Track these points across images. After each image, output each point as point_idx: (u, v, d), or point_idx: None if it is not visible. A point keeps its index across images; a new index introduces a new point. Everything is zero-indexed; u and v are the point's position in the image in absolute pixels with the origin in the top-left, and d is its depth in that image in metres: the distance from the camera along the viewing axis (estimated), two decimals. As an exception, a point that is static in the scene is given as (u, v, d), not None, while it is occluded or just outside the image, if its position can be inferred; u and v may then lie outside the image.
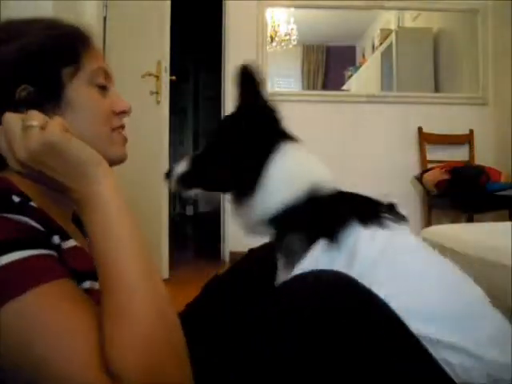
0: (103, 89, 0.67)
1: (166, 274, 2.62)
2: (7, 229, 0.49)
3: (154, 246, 2.61)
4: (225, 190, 0.85)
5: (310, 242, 0.70)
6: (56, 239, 0.57)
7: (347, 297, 0.56)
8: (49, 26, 0.65)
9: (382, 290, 0.59)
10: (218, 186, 0.85)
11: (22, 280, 0.46)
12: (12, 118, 0.49)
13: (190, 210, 6.69)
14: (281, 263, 0.76)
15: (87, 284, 0.59)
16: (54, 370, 0.44)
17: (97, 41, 0.70)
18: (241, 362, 0.56)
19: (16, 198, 0.54)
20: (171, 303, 0.52)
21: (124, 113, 0.71)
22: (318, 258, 0.68)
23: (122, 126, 0.71)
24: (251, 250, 0.97)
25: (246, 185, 0.77)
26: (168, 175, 0.84)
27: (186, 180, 0.83)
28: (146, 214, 2.67)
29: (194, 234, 5.82)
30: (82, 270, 0.58)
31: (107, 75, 0.68)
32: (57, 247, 0.56)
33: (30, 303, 0.46)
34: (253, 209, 0.77)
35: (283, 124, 0.83)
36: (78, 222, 0.72)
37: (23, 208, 0.54)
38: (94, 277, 0.60)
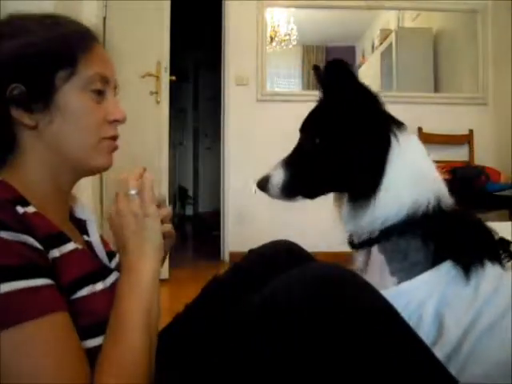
0: (99, 94, 0.65)
1: (165, 273, 2.61)
2: (6, 253, 0.49)
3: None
4: (337, 190, 0.78)
5: (435, 258, 0.68)
6: (55, 252, 0.56)
7: (346, 293, 0.56)
8: (51, 26, 0.63)
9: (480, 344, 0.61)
10: (329, 189, 0.79)
11: (15, 312, 0.47)
12: (121, 181, 0.63)
13: (189, 210, 6.68)
14: (380, 264, 0.73)
15: (84, 291, 0.58)
16: None
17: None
18: (241, 362, 0.56)
19: (20, 209, 0.54)
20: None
21: (117, 121, 0.68)
22: (440, 279, 0.66)
23: (114, 137, 0.68)
24: (251, 251, 0.96)
25: (364, 185, 0.72)
26: (263, 185, 0.80)
27: (289, 189, 0.79)
28: (146, 214, 2.66)
29: (193, 234, 5.82)
30: (81, 274, 0.59)
31: (106, 80, 0.65)
32: (55, 261, 0.56)
33: (20, 336, 0.47)
34: (374, 211, 0.71)
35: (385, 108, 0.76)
36: (75, 220, 0.72)
37: (26, 220, 0.54)
38: (94, 279, 0.61)
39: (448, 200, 0.73)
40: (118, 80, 0.70)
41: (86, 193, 2.64)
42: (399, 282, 0.70)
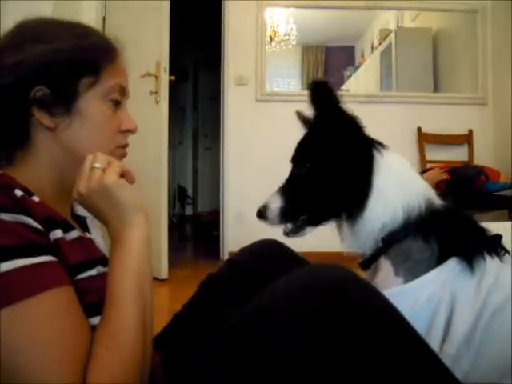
0: (116, 104, 0.68)
1: (165, 274, 2.61)
2: (7, 234, 0.50)
3: (153, 245, 2.61)
4: (331, 214, 0.81)
5: (440, 256, 0.71)
6: (58, 233, 0.58)
7: (347, 294, 0.56)
8: (80, 35, 0.66)
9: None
10: (325, 214, 0.81)
11: (17, 289, 0.48)
12: (88, 158, 0.60)
13: (189, 210, 6.68)
14: (386, 269, 0.75)
15: (94, 271, 0.61)
16: (35, 381, 0.46)
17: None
18: (242, 364, 0.56)
19: (19, 192, 0.56)
20: (152, 350, 0.60)
21: (129, 131, 0.71)
22: (447, 275, 0.68)
23: (126, 145, 0.72)
24: (243, 249, 0.97)
25: (355, 203, 0.75)
26: (262, 214, 0.82)
27: (287, 214, 0.81)
28: (146, 213, 2.66)
29: (193, 233, 5.82)
30: (87, 259, 0.61)
31: (123, 91, 0.69)
32: (58, 241, 0.57)
33: (23, 313, 0.48)
34: (368, 224, 0.75)
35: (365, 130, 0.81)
36: (76, 217, 0.73)
37: (25, 203, 0.55)
38: (102, 262, 0.63)
39: (438, 201, 0.77)
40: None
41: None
42: (405, 282, 0.71)
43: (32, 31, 0.64)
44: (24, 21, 0.66)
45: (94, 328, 0.54)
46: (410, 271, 0.71)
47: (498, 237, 0.75)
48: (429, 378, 0.56)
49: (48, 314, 0.49)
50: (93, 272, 0.60)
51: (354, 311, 0.55)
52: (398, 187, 0.75)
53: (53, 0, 1.77)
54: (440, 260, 0.70)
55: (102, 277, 0.59)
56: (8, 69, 0.60)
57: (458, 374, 0.60)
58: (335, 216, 0.80)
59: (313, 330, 0.53)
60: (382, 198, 0.74)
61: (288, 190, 0.82)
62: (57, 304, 0.50)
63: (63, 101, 0.63)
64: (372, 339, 0.54)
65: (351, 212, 0.75)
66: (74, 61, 0.63)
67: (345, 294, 0.56)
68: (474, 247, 0.71)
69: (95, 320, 0.55)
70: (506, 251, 0.74)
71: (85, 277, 0.59)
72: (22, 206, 0.54)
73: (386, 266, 0.75)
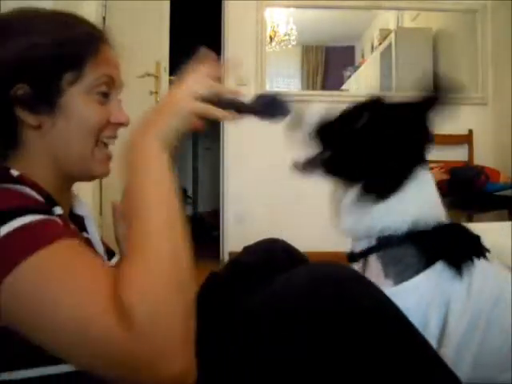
0: (104, 96, 0.65)
1: (165, 274, 2.61)
2: (11, 198, 0.50)
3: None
4: (352, 180, 0.80)
5: (428, 261, 0.72)
6: (58, 210, 0.57)
7: (349, 293, 0.56)
8: (61, 27, 0.63)
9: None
10: (349, 171, 0.80)
11: (34, 239, 0.46)
12: None
13: (189, 210, 6.68)
14: (377, 271, 0.76)
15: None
16: (67, 314, 0.44)
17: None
18: (243, 362, 0.56)
19: (15, 172, 0.56)
20: (189, 257, 0.56)
21: (120, 125, 0.68)
22: (437, 279, 0.70)
23: (113, 137, 0.68)
24: (247, 248, 0.97)
25: (385, 185, 0.76)
26: (295, 123, 0.82)
27: (322, 135, 0.81)
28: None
29: (193, 233, 5.81)
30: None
31: (111, 82, 0.66)
32: (59, 217, 0.56)
33: (45, 259, 0.46)
34: (377, 214, 0.75)
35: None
36: (74, 217, 0.72)
37: (23, 180, 0.55)
38: None
39: (444, 219, 0.79)
40: (118, 79, 0.70)
41: (85, 192, 2.63)
42: (394, 285, 0.72)
43: (17, 25, 0.61)
44: (11, 13, 0.63)
45: None
46: (400, 274, 0.72)
47: (478, 238, 0.77)
48: (430, 376, 0.56)
49: (69, 256, 0.47)
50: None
51: (355, 310, 0.55)
52: (418, 204, 0.76)
53: (52, 0, 1.77)
54: (428, 264, 0.72)
55: None
56: None
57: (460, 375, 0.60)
58: (351, 180, 0.79)
59: (313, 329, 0.53)
60: (401, 204, 0.75)
61: (332, 127, 0.84)
62: (77, 247, 0.49)
63: (46, 99, 0.60)
64: (374, 337, 0.54)
65: (371, 189, 0.76)
66: (54, 56, 0.60)
67: (346, 292, 0.56)
68: (462, 252, 0.72)
69: None
70: (487, 250, 0.76)
71: None
72: (23, 182, 0.54)
73: (376, 266, 0.76)
